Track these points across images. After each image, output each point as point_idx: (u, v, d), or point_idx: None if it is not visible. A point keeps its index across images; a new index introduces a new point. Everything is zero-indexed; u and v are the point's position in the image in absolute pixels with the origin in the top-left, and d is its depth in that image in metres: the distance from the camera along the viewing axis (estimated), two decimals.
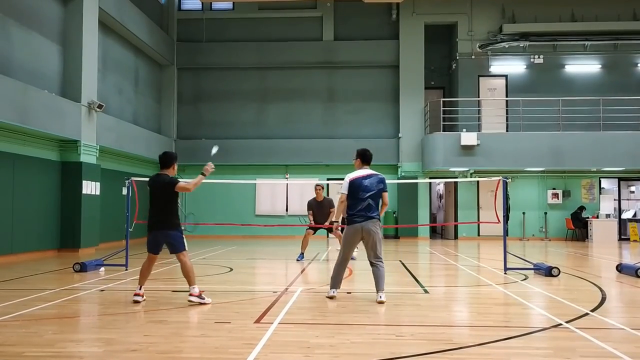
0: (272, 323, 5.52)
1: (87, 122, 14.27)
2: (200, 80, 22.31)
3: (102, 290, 7.72)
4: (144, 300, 6.70)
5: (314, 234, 12.62)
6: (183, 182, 6.78)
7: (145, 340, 4.82)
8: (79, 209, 13.79)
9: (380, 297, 6.67)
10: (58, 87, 13.86)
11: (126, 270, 9.97)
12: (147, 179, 7.03)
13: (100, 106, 14.57)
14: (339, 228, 7.32)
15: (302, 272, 10.26)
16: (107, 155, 16.32)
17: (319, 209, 12.40)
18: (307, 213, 12.62)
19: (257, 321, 5.64)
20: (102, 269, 10.01)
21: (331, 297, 6.92)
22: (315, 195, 12.52)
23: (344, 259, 7.03)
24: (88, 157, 14.29)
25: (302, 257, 12.27)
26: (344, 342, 4.82)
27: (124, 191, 13.96)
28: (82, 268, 9.68)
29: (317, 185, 12.65)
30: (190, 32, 22.22)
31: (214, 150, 8.10)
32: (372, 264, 6.98)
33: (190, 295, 6.49)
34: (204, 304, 6.46)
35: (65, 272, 9.82)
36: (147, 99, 20.34)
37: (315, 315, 6.04)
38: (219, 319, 5.79)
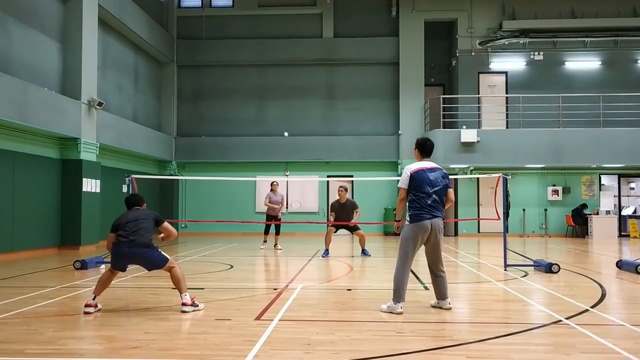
0: (272, 320, 5.53)
1: (87, 119, 14.27)
2: (200, 77, 22.30)
3: None
4: (98, 310, 6.01)
5: (335, 231, 12.74)
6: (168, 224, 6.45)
7: (146, 338, 4.83)
8: (79, 207, 13.80)
9: (449, 303, 6.12)
10: (58, 85, 13.85)
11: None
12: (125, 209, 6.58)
13: (100, 104, 14.56)
14: (400, 226, 6.25)
15: (302, 269, 10.27)
16: (107, 152, 16.33)
17: (342, 210, 12.48)
18: (330, 212, 12.85)
19: (258, 318, 5.65)
20: (103, 266, 10.02)
21: (399, 314, 5.85)
22: (338, 198, 12.65)
23: (406, 264, 6.00)
24: (88, 154, 14.29)
25: (327, 254, 12.40)
26: (344, 338, 4.83)
27: (124, 188, 13.98)
28: (83, 265, 9.70)
29: (340, 187, 12.75)
30: (190, 29, 22.20)
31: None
32: (436, 274, 6.15)
33: (184, 304, 6.00)
34: (198, 310, 6.07)
35: (65, 270, 9.83)
36: (147, 97, 20.34)
37: (315, 312, 6.04)
38: (220, 316, 5.79)
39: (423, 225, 5.90)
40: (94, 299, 6.02)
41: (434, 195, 5.96)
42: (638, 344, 4.68)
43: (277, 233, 14.58)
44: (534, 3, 21.00)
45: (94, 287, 6.15)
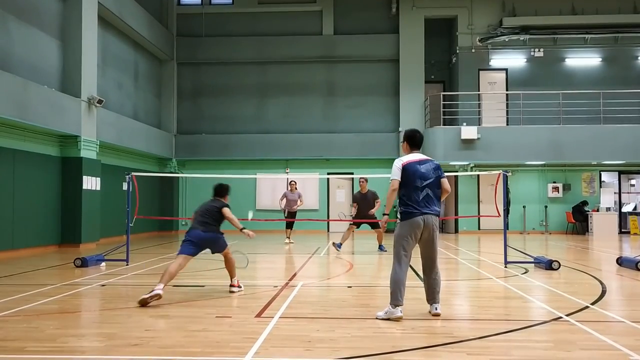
0: (273, 317, 5.54)
1: (87, 117, 14.26)
2: (200, 75, 22.28)
3: (103, 285, 7.74)
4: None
5: (357, 229, 13.16)
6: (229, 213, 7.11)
7: (147, 335, 4.84)
8: (80, 205, 13.80)
9: (436, 308, 5.63)
10: (58, 83, 13.84)
11: (127, 265, 9.99)
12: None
13: (100, 101, 14.55)
14: (387, 223, 6.02)
15: (302, 266, 10.28)
16: (107, 150, 16.32)
17: (364, 201, 12.97)
18: (351, 205, 13.61)
19: (258, 315, 5.65)
20: (103, 264, 10.03)
21: (398, 319, 5.40)
22: (360, 189, 13.27)
23: (402, 265, 5.56)
24: (88, 152, 14.29)
25: (340, 247, 12.96)
26: (345, 336, 4.83)
27: (125, 186, 13.98)
28: (83, 263, 9.70)
29: (361, 178, 13.47)
30: (189, 26, 22.16)
31: (250, 215, 8.78)
32: (429, 275, 5.70)
33: (232, 286, 7.17)
34: (241, 290, 7.15)
35: (66, 267, 9.84)
36: (147, 94, 20.32)
37: (316, 310, 6.05)
38: (220, 313, 5.80)
39: (415, 222, 5.52)
40: (163, 287, 6.42)
41: (426, 189, 5.58)
42: (638, 341, 4.68)
43: (291, 228, 15.59)
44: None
45: (164, 277, 6.45)
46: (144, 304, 6.05)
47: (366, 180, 13.29)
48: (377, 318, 5.50)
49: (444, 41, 22.67)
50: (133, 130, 17.63)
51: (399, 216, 5.66)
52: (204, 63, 22.16)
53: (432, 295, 5.69)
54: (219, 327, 5.13)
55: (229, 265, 7.22)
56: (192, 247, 6.80)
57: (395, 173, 5.67)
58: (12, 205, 11.97)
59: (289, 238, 15.56)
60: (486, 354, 4.29)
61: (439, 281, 5.70)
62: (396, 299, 5.45)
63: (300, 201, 15.52)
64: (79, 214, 13.79)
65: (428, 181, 5.60)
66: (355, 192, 13.68)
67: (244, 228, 7.00)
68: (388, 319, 5.42)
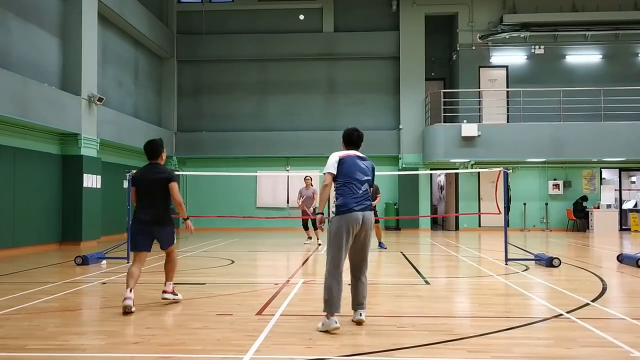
0: (273, 315, 5.54)
1: (88, 115, 14.26)
2: (200, 72, 22.26)
3: (103, 283, 7.75)
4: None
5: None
6: (176, 188, 6.36)
7: (147, 333, 4.84)
8: (80, 202, 13.81)
9: (361, 314, 5.15)
10: (58, 81, 13.84)
11: (128, 263, 9.99)
12: (134, 172, 6.37)
13: (100, 99, 14.55)
14: (324, 221, 5.43)
15: (303, 264, 10.28)
16: (108, 148, 16.32)
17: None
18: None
19: (259, 313, 5.66)
20: (104, 261, 10.04)
21: (335, 330, 4.78)
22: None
23: (339, 266, 5.00)
24: (88, 150, 14.29)
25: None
26: (345, 333, 4.83)
27: (125, 184, 13.98)
28: (84, 261, 9.71)
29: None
30: (190, 24, 22.14)
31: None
32: (356, 277, 5.20)
33: (165, 292, 6.11)
34: (177, 300, 6.18)
35: (67, 265, 9.84)
36: (147, 92, 20.31)
37: (316, 307, 6.03)
38: (221, 311, 5.80)
39: (354, 217, 4.97)
40: (130, 291, 5.66)
41: (366, 185, 5.15)
42: (639, 338, 4.68)
43: (315, 228, 14.32)
44: None
45: (127, 281, 5.80)
46: None
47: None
48: (317, 330, 4.89)
49: (445, 38, 22.64)
50: (133, 128, 17.62)
51: (334, 210, 5.11)
52: (204, 61, 22.15)
53: (359, 299, 5.20)
54: (219, 325, 5.14)
55: (170, 266, 6.30)
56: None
57: (330, 165, 5.16)
58: (13, 204, 11.98)
59: (310, 238, 14.57)
60: (487, 351, 4.29)
61: (366, 284, 5.27)
62: (331, 305, 4.89)
63: (314, 198, 14.39)
64: (79, 211, 13.79)
65: (367, 177, 5.18)
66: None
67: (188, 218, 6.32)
68: (326, 332, 4.80)
